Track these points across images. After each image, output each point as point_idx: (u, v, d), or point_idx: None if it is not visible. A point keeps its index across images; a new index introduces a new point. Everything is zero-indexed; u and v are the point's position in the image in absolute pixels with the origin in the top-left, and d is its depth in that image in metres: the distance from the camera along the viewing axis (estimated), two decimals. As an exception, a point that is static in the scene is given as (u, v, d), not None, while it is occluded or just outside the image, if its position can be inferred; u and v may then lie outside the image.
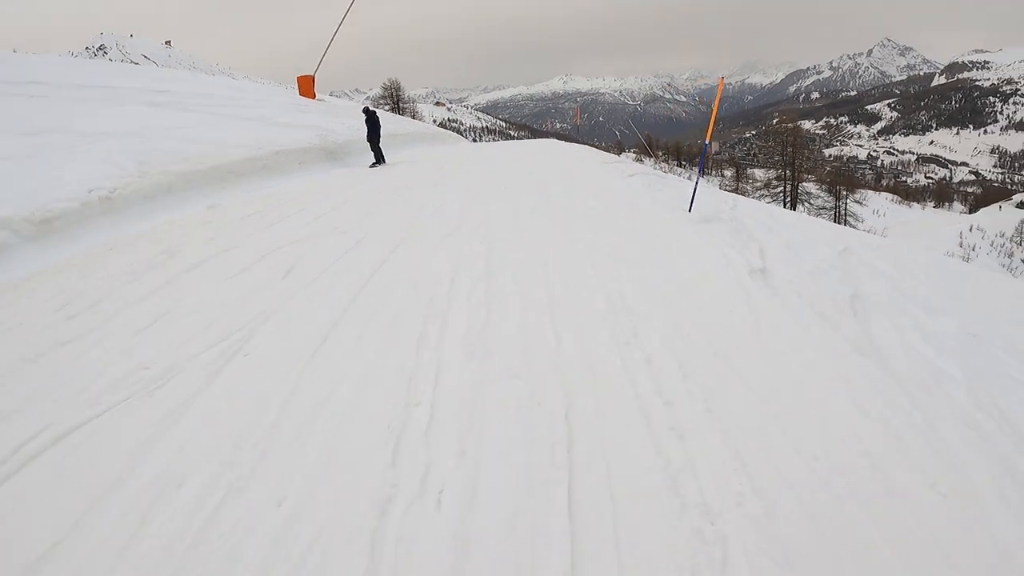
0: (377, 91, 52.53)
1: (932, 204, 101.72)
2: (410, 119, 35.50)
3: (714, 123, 8.15)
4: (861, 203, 48.13)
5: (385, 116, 21.69)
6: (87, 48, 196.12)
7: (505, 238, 6.43)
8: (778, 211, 12.96)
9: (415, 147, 19.37)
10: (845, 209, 44.36)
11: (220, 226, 6.76)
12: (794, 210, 37.06)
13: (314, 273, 5.24)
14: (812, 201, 42.28)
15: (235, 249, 5.84)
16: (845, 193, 45.70)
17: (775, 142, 47.47)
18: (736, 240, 6.32)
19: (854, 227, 39.92)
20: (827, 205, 43.66)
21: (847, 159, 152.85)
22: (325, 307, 4.48)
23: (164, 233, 6.48)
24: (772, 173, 46.20)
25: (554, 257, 5.72)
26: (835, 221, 41.60)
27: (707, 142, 8.34)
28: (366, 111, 14.11)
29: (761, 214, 9.88)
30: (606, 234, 6.59)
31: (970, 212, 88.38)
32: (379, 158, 14.08)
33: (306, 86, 23.13)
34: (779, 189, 42.88)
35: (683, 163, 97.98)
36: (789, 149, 43.14)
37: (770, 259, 5.68)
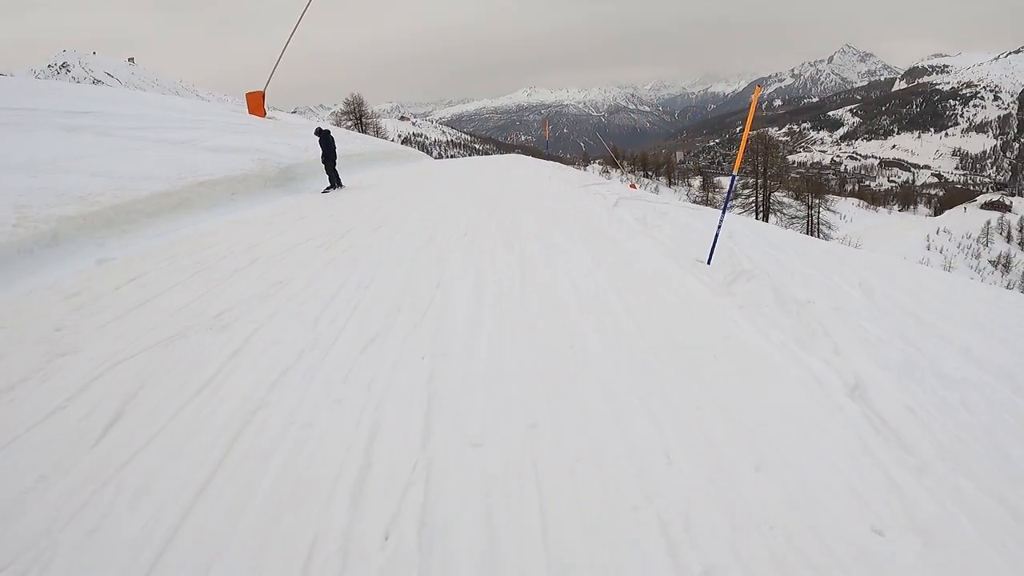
0: (341, 106, 50.96)
1: (897, 207, 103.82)
2: (369, 137, 34.01)
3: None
4: (833, 211, 48.02)
5: (342, 135, 20.32)
6: (50, 66, 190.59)
7: (456, 339, 4.24)
8: (769, 231, 11.98)
9: (374, 167, 17.95)
10: (818, 218, 44.06)
11: (84, 303, 5.03)
12: (767, 220, 36.52)
13: (146, 433, 3.09)
14: (784, 211, 41.81)
15: (72, 356, 3.99)
16: (816, 201, 45.42)
17: (744, 151, 47.05)
18: (792, 319, 4.71)
19: (827, 236, 39.57)
20: (799, 214, 43.27)
21: (811, 165, 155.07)
22: (134, 546, 2.33)
23: (8, 315, 4.76)
24: (741, 182, 45.77)
25: (541, 407, 3.32)
26: (808, 230, 41.24)
27: (734, 174, 6.99)
28: (318, 131, 12.86)
29: (761, 242, 8.80)
30: (618, 327, 4.43)
31: (935, 214, 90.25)
32: (334, 182, 12.82)
33: (255, 103, 21.46)
34: (751, 199, 42.34)
35: (649, 174, 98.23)
36: (759, 158, 42.67)
37: (847, 352, 4.13)
